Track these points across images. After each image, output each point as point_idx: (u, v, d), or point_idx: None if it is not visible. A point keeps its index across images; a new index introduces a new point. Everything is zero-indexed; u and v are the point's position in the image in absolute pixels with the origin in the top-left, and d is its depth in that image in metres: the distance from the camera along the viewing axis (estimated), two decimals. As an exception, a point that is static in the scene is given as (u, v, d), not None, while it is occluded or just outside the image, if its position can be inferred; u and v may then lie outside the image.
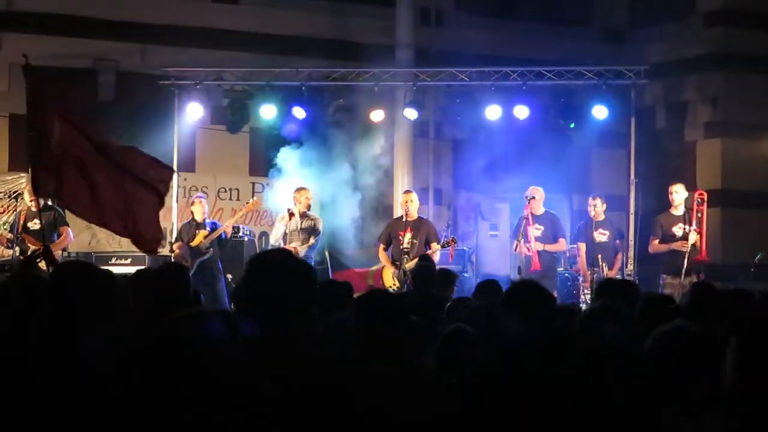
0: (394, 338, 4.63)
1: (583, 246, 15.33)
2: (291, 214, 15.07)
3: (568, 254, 16.53)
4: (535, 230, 14.98)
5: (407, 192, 15.38)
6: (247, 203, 16.73)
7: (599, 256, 14.80)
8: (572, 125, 17.16)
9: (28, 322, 4.67)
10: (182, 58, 18.00)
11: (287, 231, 15.06)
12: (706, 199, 14.69)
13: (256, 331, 3.87)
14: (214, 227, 15.64)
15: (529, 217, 14.96)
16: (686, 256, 14.06)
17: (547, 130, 17.78)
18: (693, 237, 14.24)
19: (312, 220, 15.40)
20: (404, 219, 14.72)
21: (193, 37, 18.80)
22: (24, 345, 4.33)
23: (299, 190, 15.60)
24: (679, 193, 14.72)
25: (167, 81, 17.25)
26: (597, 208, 15.26)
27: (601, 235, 15.18)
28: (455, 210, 19.21)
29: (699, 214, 14.44)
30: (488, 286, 9.36)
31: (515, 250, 14.99)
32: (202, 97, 17.36)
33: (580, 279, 15.44)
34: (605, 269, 14.71)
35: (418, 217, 14.96)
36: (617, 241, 15.48)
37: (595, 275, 14.64)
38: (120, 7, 18.50)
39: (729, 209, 19.65)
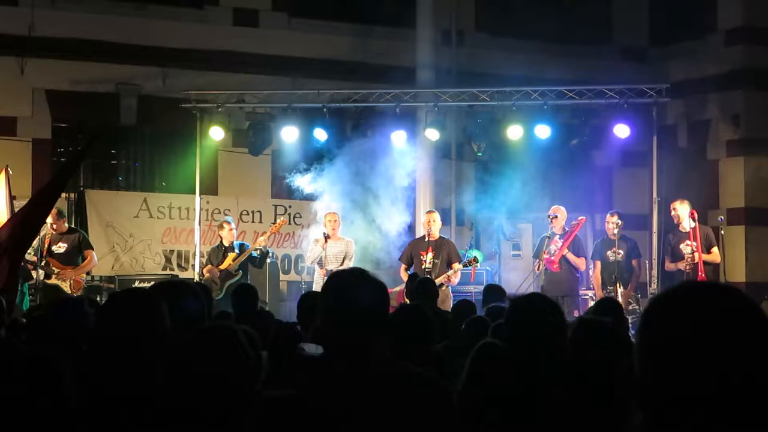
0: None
1: (598, 264, 15.32)
2: (327, 237, 15.17)
3: (591, 275, 16.50)
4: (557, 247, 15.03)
5: (430, 212, 15.38)
6: (274, 224, 16.76)
7: (613, 275, 14.79)
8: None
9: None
10: (204, 81, 18.10)
11: (324, 255, 15.13)
12: (696, 217, 14.78)
13: None
14: (242, 248, 15.67)
15: (553, 236, 15.00)
16: (688, 276, 14.12)
17: (569, 149, 17.75)
18: (690, 255, 14.29)
19: (345, 242, 15.52)
20: (426, 239, 14.72)
21: (214, 61, 18.89)
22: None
23: (328, 213, 15.70)
24: (677, 210, 14.77)
25: (189, 104, 17.31)
26: (610, 225, 15.25)
27: (615, 254, 15.15)
28: (477, 231, 19.18)
29: (695, 232, 14.54)
30: (493, 289, 9.87)
31: (537, 268, 14.99)
32: (223, 119, 17.39)
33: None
34: (620, 289, 14.68)
35: (440, 237, 14.96)
36: (633, 261, 15.42)
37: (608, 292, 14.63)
38: (141, 32, 18.59)
39: (752, 227, 19.57)
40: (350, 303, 3.69)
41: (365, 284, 3.75)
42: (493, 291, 10.80)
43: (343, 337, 3.71)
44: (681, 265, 14.45)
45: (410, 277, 12.88)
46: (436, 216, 15.08)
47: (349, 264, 15.13)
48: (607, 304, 8.33)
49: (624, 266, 15.15)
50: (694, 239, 14.44)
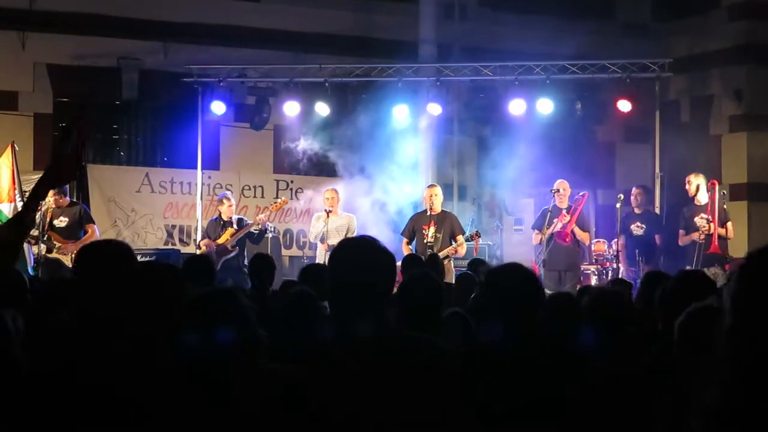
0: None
1: (622, 239, 15.30)
2: (328, 213, 15.15)
3: (593, 249, 16.51)
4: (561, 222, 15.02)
5: (431, 186, 15.33)
6: (276, 202, 16.73)
7: (636, 251, 14.79)
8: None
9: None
10: (205, 55, 18.05)
11: (326, 230, 15.10)
12: (717, 188, 14.72)
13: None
14: (240, 223, 15.64)
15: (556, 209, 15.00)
16: (700, 247, 14.08)
17: (572, 124, 17.73)
18: (706, 226, 14.24)
19: (347, 217, 15.51)
20: (428, 213, 14.69)
21: (216, 35, 18.82)
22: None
23: (328, 190, 15.67)
24: (692, 183, 14.74)
25: (190, 78, 17.28)
26: (638, 198, 15.30)
27: (638, 228, 15.22)
28: (479, 205, 19.16)
29: (713, 204, 14.48)
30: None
31: (539, 241, 14.97)
32: (225, 94, 17.37)
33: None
34: (641, 265, 14.66)
35: (442, 210, 14.92)
36: (656, 236, 15.45)
37: (633, 272, 14.59)
38: (143, 6, 18.53)
39: (755, 203, 19.55)
40: (363, 266, 3.74)
41: (376, 249, 3.81)
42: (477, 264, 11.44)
43: (356, 300, 3.72)
44: (695, 236, 14.38)
45: (404, 260, 12.68)
46: (438, 190, 15.04)
47: None
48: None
49: (646, 241, 15.19)
50: (711, 213, 14.39)
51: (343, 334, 3.74)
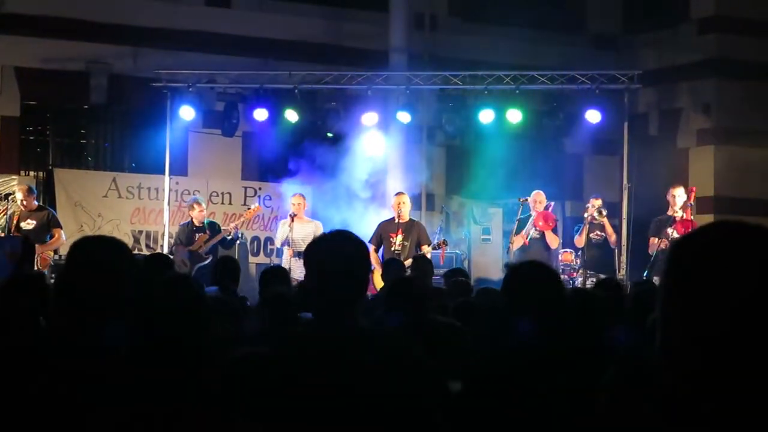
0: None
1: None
2: (293, 217, 15.11)
3: (560, 259, 16.58)
4: (534, 232, 15.12)
5: (400, 194, 15.35)
6: (249, 209, 16.69)
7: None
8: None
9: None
10: (175, 61, 17.96)
11: (291, 236, 15.04)
12: (694, 195, 14.85)
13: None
14: (212, 227, 15.60)
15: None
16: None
17: (541, 135, 17.81)
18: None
19: (313, 225, 15.47)
20: (396, 221, 14.69)
21: (185, 41, 18.76)
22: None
23: (294, 195, 15.65)
24: (679, 197, 14.81)
25: (160, 84, 17.21)
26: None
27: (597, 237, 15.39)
28: (447, 215, 19.16)
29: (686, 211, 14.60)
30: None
31: (513, 246, 15.15)
32: (194, 100, 17.31)
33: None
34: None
35: (410, 219, 14.94)
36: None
37: None
38: (112, 10, 18.44)
39: (722, 216, 19.58)
40: (342, 255, 3.81)
41: (352, 239, 3.91)
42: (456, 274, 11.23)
43: (334, 290, 3.76)
44: (660, 245, 14.44)
45: (385, 263, 12.84)
46: (406, 198, 15.08)
47: None
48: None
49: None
50: (682, 226, 14.43)
51: (323, 321, 3.80)
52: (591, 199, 15.77)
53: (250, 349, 3.90)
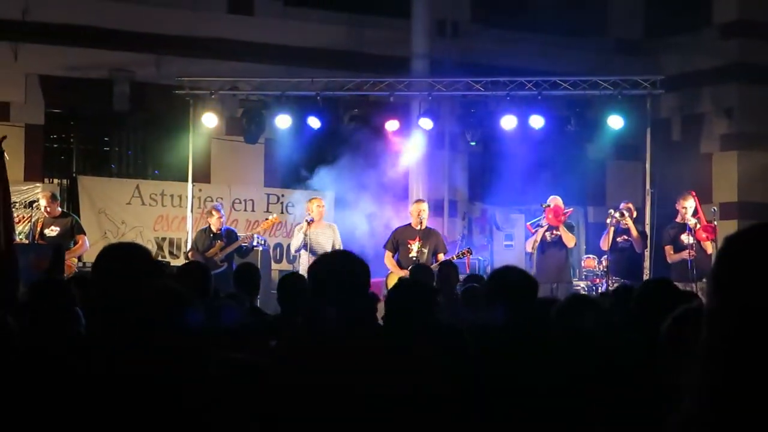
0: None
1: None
2: (309, 223, 15.06)
3: (583, 265, 16.55)
4: (549, 235, 15.06)
5: (420, 201, 15.35)
6: (268, 219, 16.67)
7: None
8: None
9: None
10: (197, 68, 18.01)
11: (308, 241, 14.98)
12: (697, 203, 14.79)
13: None
14: (230, 235, 15.61)
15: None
16: (693, 263, 14.05)
17: (563, 141, 17.77)
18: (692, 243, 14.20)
19: (329, 227, 15.44)
20: (414, 228, 14.69)
21: (208, 48, 18.81)
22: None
23: (311, 199, 15.63)
24: (690, 207, 14.69)
25: (182, 91, 17.27)
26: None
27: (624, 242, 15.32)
28: (470, 221, 19.15)
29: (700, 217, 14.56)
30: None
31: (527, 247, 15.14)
32: (217, 107, 17.35)
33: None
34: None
35: (427, 227, 14.92)
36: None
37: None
38: (135, 18, 18.51)
39: (745, 222, 19.41)
40: (339, 269, 3.93)
41: (353, 259, 4.04)
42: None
43: (331, 291, 3.87)
44: (684, 255, 14.34)
45: (413, 269, 12.81)
46: (426, 206, 15.08)
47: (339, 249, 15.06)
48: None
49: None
50: (704, 232, 14.36)
51: (314, 321, 3.93)
52: (622, 204, 15.54)
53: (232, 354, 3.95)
